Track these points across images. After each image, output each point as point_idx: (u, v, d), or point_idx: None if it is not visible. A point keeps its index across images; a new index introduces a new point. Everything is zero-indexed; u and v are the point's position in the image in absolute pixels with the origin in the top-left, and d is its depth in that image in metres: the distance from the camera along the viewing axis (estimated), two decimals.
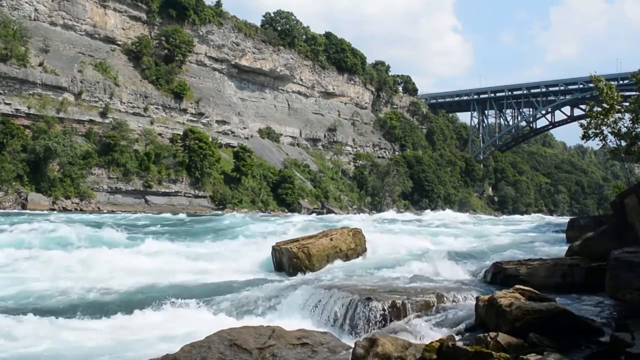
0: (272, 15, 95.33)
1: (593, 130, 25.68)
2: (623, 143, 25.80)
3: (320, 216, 55.47)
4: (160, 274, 14.23)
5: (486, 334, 6.82)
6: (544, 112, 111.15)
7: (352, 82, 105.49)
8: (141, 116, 67.28)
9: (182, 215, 46.18)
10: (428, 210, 75.68)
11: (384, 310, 9.04)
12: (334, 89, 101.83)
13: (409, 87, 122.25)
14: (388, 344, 6.70)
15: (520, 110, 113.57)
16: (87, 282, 12.65)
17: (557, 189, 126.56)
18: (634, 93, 37.75)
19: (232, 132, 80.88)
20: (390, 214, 62.91)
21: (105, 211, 52.53)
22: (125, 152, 60.90)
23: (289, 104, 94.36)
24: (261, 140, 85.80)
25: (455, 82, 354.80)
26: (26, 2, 61.60)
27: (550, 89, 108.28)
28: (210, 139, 71.39)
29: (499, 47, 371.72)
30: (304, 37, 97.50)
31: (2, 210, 43.86)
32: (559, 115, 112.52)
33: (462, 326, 8.20)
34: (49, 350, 8.22)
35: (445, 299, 9.69)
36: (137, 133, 64.65)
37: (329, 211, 74.64)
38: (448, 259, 15.61)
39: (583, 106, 67.63)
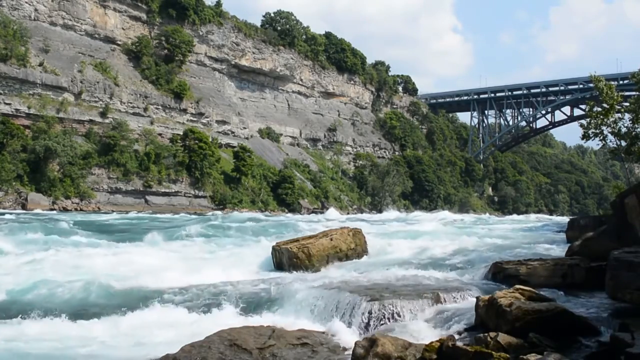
0: (272, 15, 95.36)
1: (593, 130, 25.66)
2: (623, 143, 25.77)
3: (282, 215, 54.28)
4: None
5: (486, 334, 6.82)
6: (544, 112, 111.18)
7: (352, 82, 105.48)
8: (141, 116, 67.29)
9: (169, 215, 46.16)
10: (418, 212, 75.33)
11: (383, 310, 9.03)
12: (334, 89, 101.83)
13: (409, 87, 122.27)
14: (388, 344, 6.71)
15: (520, 110, 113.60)
16: None
17: (557, 189, 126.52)
18: (634, 93, 37.72)
19: (232, 132, 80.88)
20: (392, 214, 62.90)
21: (105, 211, 52.54)
22: (125, 152, 60.89)
23: (289, 104, 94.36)
24: (261, 140, 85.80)
25: (455, 82, 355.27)
26: (26, 2, 61.60)
27: (550, 89, 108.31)
28: (210, 139, 71.39)
29: (499, 47, 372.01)
30: (304, 37, 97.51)
31: (2, 210, 43.85)
32: (559, 115, 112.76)
33: (462, 326, 8.20)
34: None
35: (445, 299, 9.69)
36: (137, 133, 64.65)
37: None
38: (447, 259, 15.62)
39: (583, 106, 67.64)
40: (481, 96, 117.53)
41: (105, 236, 22.42)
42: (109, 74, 65.76)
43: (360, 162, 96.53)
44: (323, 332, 8.59)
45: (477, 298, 8.34)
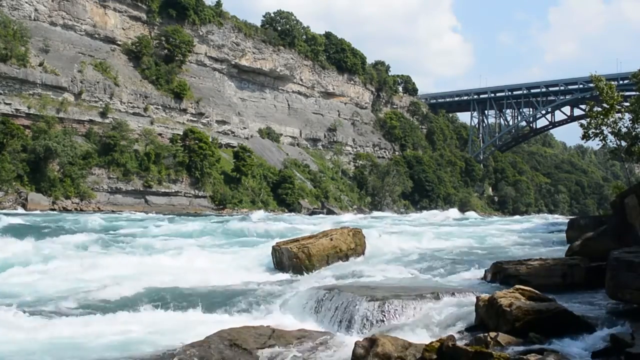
0: (272, 15, 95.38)
1: (593, 130, 25.59)
2: (623, 143, 25.75)
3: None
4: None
5: (486, 334, 6.83)
6: (544, 112, 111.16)
7: (352, 82, 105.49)
8: (141, 116, 67.28)
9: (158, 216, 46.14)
10: (411, 213, 75.01)
11: (383, 310, 9.03)
12: (334, 89, 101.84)
13: (409, 87, 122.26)
14: (388, 344, 6.71)
15: (520, 110, 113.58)
16: None
17: (557, 189, 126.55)
18: (634, 93, 37.71)
19: (232, 132, 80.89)
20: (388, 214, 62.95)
21: (105, 211, 52.54)
22: (125, 152, 60.89)
23: (289, 104, 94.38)
24: (261, 140, 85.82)
25: (455, 82, 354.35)
26: (26, 2, 61.60)
27: (550, 89, 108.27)
28: (210, 139, 71.39)
29: (499, 47, 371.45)
30: (304, 37, 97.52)
31: (2, 211, 43.83)
32: (559, 115, 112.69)
33: (462, 326, 8.19)
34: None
35: (445, 298, 9.68)
36: (137, 133, 64.64)
37: (329, 211, 74.70)
38: (448, 259, 15.64)
39: (583, 106, 67.54)
40: (481, 96, 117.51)
41: None
42: (109, 74, 65.76)
43: (360, 162, 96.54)
44: (323, 332, 8.59)
45: (477, 298, 8.34)
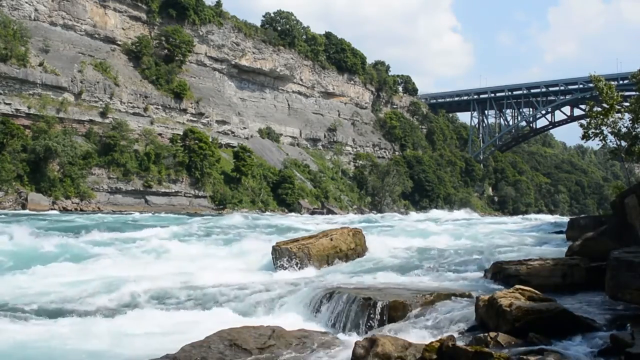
0: (272, 15, 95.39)
1: (593, 130, 25.57)
2: (623, 143, 25.72)
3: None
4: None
5: (486, 334, 6.84)
6: (544, 112, 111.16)
7: (352, 82, 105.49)
8: (141, 116, 67.28)
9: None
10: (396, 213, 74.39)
11: (384, 310, 9.03)
12: (334, 89, 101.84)
13: (409, 87, 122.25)
14: (388, 344, 6.71)
15: (520, 110, 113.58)
16: None
17: (557, 189, 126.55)
18: (634, 93, 37.68)
19: (232, 132, 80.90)
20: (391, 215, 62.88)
21: (106, 211, 52.56)
22: (125, 152, 60.89)
23: (289, 104, 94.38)
24: (261, 140, 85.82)
25: (455, 82, 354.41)
26: (26, 2, 61.59)
27: (550, 89, 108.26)
28: (210, 139, 71.39)
29: (499, 47, 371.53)
30: (304, 37, 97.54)
31: (2, 210, 43.84)
32: (559, 115, 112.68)
33: (462, 326, 8.19)
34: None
35: (445, 298, 9.68)
36: (137, 133, 64.64)
37: (329, 211, 74.75)
38: (448, 259, 15.64)
39: (583, 106, 67.58)
40: (481, 96, 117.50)
41: None
42: (109, 74, 65.76)
43: (360, 162, 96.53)
44: (323, 332, 8.59)
45: (477, 298, 8.34)
